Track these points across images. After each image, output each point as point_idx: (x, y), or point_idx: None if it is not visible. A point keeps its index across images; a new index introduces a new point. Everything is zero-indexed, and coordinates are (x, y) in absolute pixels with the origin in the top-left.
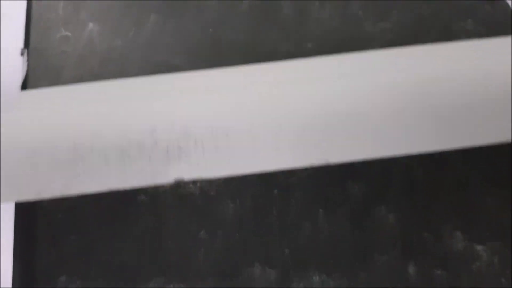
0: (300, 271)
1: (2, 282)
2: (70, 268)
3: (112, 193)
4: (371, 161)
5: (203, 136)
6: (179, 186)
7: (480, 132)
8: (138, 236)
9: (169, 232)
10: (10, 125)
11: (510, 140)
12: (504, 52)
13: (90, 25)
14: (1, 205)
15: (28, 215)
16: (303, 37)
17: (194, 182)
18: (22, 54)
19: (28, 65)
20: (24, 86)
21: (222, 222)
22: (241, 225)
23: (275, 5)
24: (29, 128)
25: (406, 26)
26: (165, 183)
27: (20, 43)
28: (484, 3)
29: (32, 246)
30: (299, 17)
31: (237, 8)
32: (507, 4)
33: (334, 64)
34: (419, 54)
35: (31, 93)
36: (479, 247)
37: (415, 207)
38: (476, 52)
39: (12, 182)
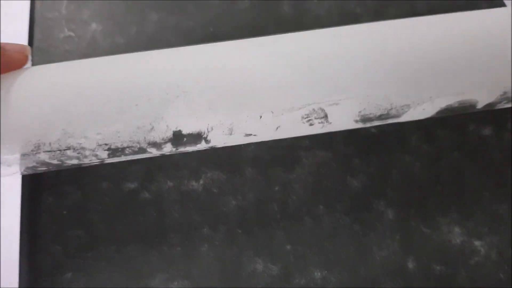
0: (301, 267)
1: (8, 280)
2: (76, 265)
3: (116, 190)
4: (370, 157)
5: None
6: (181, 183)
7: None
8: (142, 233)
9: (172, 228)
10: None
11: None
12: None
13: (93, 25)
14: (6, 204)
15: (33, 213)
16: None
17: (196, 179)
18: None
19: (32, 64)
20: None
21: (224, 218)
22: (243, 222)
23: (274, 3)
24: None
25: None
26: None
27: (24, 43)
28: (481, 1)
29: (38, 243)
30: (298, 15)
31: (237, 6)
32: (503, 3)
33: (327, 35)
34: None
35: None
36: (477, 242)
37: (414, 202)
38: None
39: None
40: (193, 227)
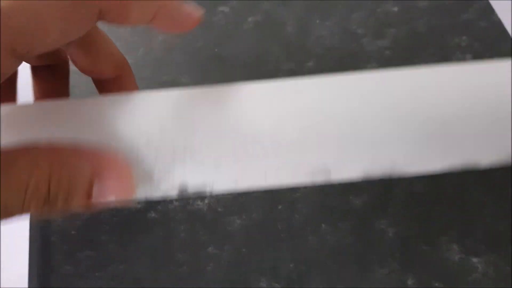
0: (305, 284)
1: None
2: (87, 285)
3: (124, 210)
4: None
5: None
6: (187, 203)
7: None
8: (150, 252)
9: (179, 247)
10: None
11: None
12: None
13: None
14: (16, 226)
15: (42, 233)
16: (304, 56)
17: (202, 198)
18: None
19: None
20: None
21: (229, 237)
22: (248, 240)
23: (278, 24)
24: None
25: (403, 43)
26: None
27: None
28: (479, 20)
29: (47, 262)
30: (301, 36)
31: (242, 27)
32: (489, 3)
33: (329, 85)
34: (417, 76)
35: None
36: (474, 259)
37: (414, 221)
38: (476, 75)
39: None
40: (199, 247)
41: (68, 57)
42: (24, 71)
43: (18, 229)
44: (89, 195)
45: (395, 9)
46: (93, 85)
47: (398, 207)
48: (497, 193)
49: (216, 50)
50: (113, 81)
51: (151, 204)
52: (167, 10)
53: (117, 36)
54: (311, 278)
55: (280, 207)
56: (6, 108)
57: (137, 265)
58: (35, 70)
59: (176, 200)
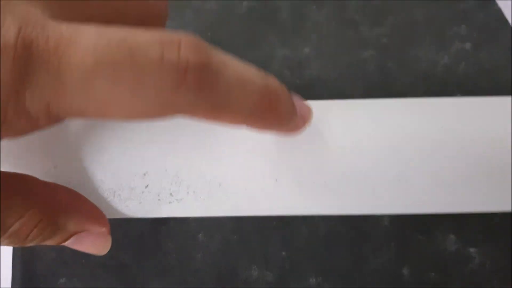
0: (297, 274)
1: (1, 285)
2: (70, 270)
3: None
4: None
5: (196, 184)
6: None
7: (478, 199)
8: (137, 239)
9: (167, 234)
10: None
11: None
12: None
13: None
14: None
15: None
16: (300, 42)
17: None
18: None
19: None
20: None
21: (219, 225)
22: (238, 228)
23: (273, 9)
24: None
25: (401, 31)
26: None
27: None
28: (478, 8)
29: (31, 248)
30: (296, 21)
31: (235, 12)
32: (495, 3)
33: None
34: (417, 108)
35: None
36: (472, 250)
37: None
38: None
39: None
40: (189, 234)
41: None
42: None
43: None
44: (64, 241)
45: None
46: None
47: None
48: None
49: (209, 34)
50: None
51: None
52: None
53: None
54: (304, 267)
55: None
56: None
57: (123, 252)
58: None
59: None
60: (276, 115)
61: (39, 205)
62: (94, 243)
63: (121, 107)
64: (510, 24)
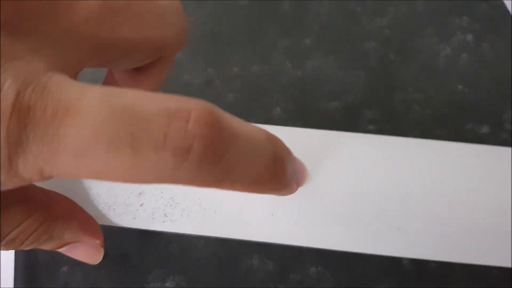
0: (298, 262)
1: (4, 273)
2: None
3: None
4: None
5: (190, 208)
6: None
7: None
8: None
9: None
10: None
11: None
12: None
13: None
14: None
15: None
16: (301, 33)
17: None
18: None
19: None
20: None
21: None
22: None
23: (274, 1)
24: None
25: (403, 22)
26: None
27: None
28: (481, 0)
29: None
30: (297, 13)
31: (236, 4)
32: (503, 3)
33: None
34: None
35: None
36: None
37: None
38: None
39: None
40: None
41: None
42: None
43: None
44: (59, 248)
45: None
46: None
47: None
48: None
49: (210, 25)
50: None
51: None
52: None
53: None
54: (305, 256)
55: None
56: None
57: (125, 241)
58: None
59: None
60: (277, 182)
61: (37, 213)
62: (86, 254)
63: (116, 177)
64: None
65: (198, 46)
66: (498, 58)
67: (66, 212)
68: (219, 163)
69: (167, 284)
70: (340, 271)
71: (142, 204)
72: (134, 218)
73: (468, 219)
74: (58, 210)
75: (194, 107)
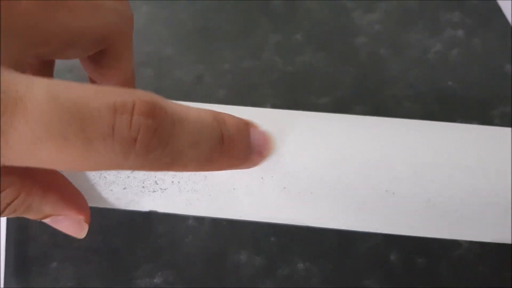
0: (285, 258)
1: None
2: (62, 253)
3: None
4: None
5: (181, 174)
6: None
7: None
8: (128, 223)
9: (158, 219)
10: None
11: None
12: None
13: None
14: None
15: None
16: (292, 28)
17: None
18: None
19: None
20: None
21: None
22: None
23: None
24: None
25: (394, 17)
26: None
27: None
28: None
29: (25, 231)
30: (289, 8)
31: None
32: (496, 3)
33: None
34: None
35: None
36: None
37: None
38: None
39: None
40: (179, 219)
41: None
42: None
43: None
44: (41, 219)
45: None
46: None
47: None
48: None
49: (201, 21)
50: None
51: None
52: None
53: None
54: (292, 252)
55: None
56: None
57: (115, 236)
58: None
59: None
60: (230, 160)
61: (17, 183)
62: (69, 228)
63: (68, 166)
64: (503, 11)
65: (189, 42)
66: (489, 53)
67: (48, 184)
68: (165, 149)
69: (155, 279)
70: (327, 266)
71: (133, 171)
72: (124, 188)
73: (466, 196)
74: (40, 182)
75: (138, 99)
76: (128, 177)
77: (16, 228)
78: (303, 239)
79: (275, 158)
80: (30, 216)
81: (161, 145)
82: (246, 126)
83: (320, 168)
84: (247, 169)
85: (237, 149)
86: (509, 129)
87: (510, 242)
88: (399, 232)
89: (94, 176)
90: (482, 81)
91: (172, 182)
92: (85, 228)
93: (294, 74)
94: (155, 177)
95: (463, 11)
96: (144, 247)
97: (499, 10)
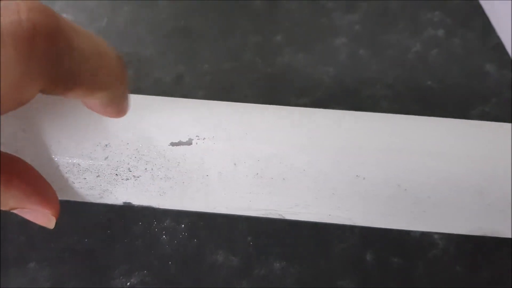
0: (262, 258)
1: None
2: (39, 254)
3: None
4: None
5: (154, 161)
6: None
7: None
8: (105, 224)
9: (134, 219)
10: None
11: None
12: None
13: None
14: None
15: None
16: (272, 29)
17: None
18: None
19: None
20: None
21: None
22: (205, 214)
23: None
24: None
25: (374, 17)
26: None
27: None
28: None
29: (1, 234)
30: (269, 9)
31: (209, 0)
32: (478, 3)
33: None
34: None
35: None
36: (436, 236)
37: None
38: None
39: None
40: (155, 219)
41: None
42: None
43: None
44: (7, 210)
45: None
46: None
47: None
48: None
49: (181, 22)
50: None
51: None
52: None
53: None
54: (269, 252)
55: None
56: None
57: (91, 237)
58: None
59: None
60: (124, 87)
61: None
62: (36, 220)
63: None
64: (485, 10)
65: (169, 43)
66: (469, 53)
67: (8, 177)
68: (71, 55)
69: (132, 280)
70: (304, 266)
71: (107, 157)
72: (98, 176)
73: (437, 183)
74: (4, 173)
75: (24, 1)
76: (101, 164)
77: None
78: (280, 239)
79: (248, 144)
80: None
81: (66, 47)
82: None
83: (291, 155)
84: (220, 155)
85: (127, 77)
86: (483, 122)
87: (481, 234)
88: (374, 224)
89: (68, 164)
90: (462, 81)
91: (145, 169)
92: (52, 220)
93: (274, 75)
94: (128, 164)
95: (444, 10)
96: (120, 247)
97: (480, 10)
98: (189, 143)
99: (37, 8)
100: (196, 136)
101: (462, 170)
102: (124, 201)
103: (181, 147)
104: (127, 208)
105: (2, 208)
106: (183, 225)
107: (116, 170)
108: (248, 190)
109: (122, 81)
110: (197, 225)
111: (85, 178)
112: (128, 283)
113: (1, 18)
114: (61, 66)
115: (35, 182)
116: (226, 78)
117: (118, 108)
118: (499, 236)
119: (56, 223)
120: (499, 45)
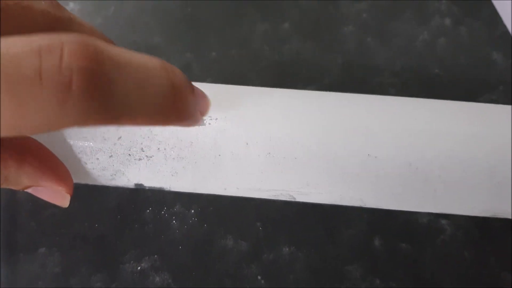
0: (271, 243)
1: None
2: (49, 240)
3: None
4: None
5: (167, 141)
6: None
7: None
8: (115, 210)
9: (145, 205)
10: None
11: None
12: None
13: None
14: None
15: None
16: (280, 17)
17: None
18: None
19: None
20: None
21: (196, 196)
22: (215, 199)
23: None
24: None
25: (381, 6)
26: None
27: None
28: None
29: (13, 219)
30: None
31: None
32: (491, 3)
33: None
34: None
35: None
36: (443, 221)
37: None
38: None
39: None
40: (166, 205)
41: None
42: None
43: None
44: (22, 190)
45: None
46: None
47: None
48: None
49: (189, 10)
50: None
51: None
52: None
53: None
54: (277, 238)
55: None
56: None
57: (101, 223)
58: None
59: None
60: (179, 113)
61: None
62: (50, 198)
63: (5, 130)
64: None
65: (177, 31)
66: (476, 42)
67: (22, 156)
68: (107, 95)
69: (142, 264)
70: (312, 251)
71: (120, 137)
72: (111, 156)
73: (447, 160)
74: (13, 154)
75: (67, 40)
76: (115, 144)
77: (5, 216)
78: (288, 225)
79: (260, 125)
80: (11, 186)
81: (102, 90)
82: (190, 81)
83: (303, 135)
84: (232, 134)
85: (186, 101)
86: (492, 104)
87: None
88: (385, 205)
89: (81, 144)
90: (469, 69)
91: (158, 149)
92: (67, 198)
93: (282, 62)
94: (141, 144)
95: None
96: (131, 233)
97: None
98: (202, 123)
99: (80, 53)
100: (209, 116)
101: (472, 149)
102: (136, 182)
103: (194, 127)
104: (137, 194)
105: (16, 188)
106: (192, 211)
107: (129, 150)
108: (260, 169)
109: (172, 108)
110: (206, 211)
111: (97, 159)
112: (139, 268)
113: (43, 60)
114: (98, 108)
115: (48, 159)
116: (234, 65)
117: (183, 123)
118: (508, 217)
119: (66, 208)
120: (506, 34)
